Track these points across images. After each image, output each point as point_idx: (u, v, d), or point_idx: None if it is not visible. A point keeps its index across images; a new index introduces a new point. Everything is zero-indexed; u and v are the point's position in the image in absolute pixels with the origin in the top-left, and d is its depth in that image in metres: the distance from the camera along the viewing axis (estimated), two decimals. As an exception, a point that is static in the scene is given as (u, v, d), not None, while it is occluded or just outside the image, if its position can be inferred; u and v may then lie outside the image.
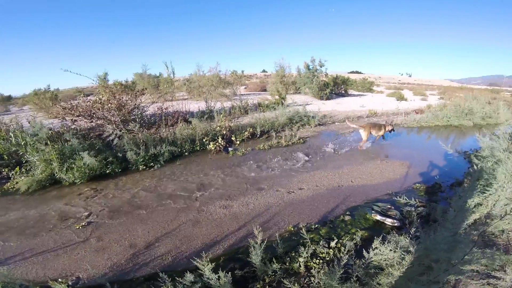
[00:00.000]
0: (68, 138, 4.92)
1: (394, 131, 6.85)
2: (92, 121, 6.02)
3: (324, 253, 2.61)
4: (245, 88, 19.38)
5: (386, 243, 2.38)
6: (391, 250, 2.21)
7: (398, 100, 16.79)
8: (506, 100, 20.82)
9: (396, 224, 3.14)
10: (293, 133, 7.30)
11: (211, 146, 5.92)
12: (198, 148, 6.10)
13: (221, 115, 7.12)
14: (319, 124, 8.60)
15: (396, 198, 3.69)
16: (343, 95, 18.74)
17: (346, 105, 13.23)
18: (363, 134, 6.23)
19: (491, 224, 2.73)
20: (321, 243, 2.76)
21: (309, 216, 3.36)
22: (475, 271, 2.23)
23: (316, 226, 3.12)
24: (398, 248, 2.16)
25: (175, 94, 13.55)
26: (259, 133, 7.07)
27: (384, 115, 11.02)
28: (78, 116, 5.81)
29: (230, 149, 6.03)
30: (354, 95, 19.63)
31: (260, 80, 32.45)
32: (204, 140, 6.12)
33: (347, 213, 3.40)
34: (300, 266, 2.45)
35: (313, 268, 2.40)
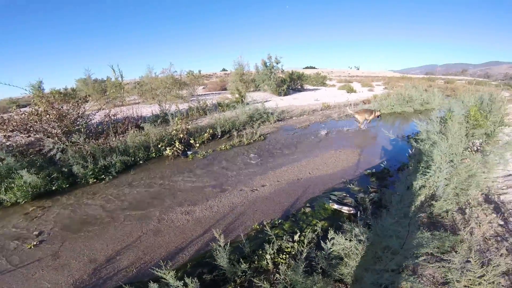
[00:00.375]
0: (2, 157, 4.33)
1: (380, 117, 8.14)
2: (29, 136, 5.27)
3: (289, 247, 2.65)
4: (204, 88, 18.89)
5: (341, 233, 2.51)
6: (346, 239, 2.33)
7: (348, 92, 18.05)
8: (440, 87, 23.83)
9: (352, 212, 3.32)
10: (254, 131, 7.32)
11: (167, 151, 5.59)
12: (153, 155, 5.73)
13: (177, 118, 6.79)
14: (278, 120, 8.79)
15: (350, 186, 3.96)
16: (299, 90, 19.48)
17: (302, 100, 13.76)
18: (359, 118, 7.43)
19: (435, 205, 3.05)
20: (285, 238, 2.80)
21: (273, 212, 3.42)
22: (429, 254, 2.39)
23: (280, 221, 3.17)
24: (353, 237, 2.26)
25: (126, 98, 12.58)
26: (219, 134, 6.94)
27: (337, 107, 11.72)
28: (12, 131, 5.06)
29: (189, 153, 5.78)
30: (309, 90, 20.55)
31: (220, 79, 31.96)
32: (159, 146, 5.76)
33: (307, 205, 3.53)
34: (268, 263, 2.45)
35: (281, 263, 2.44)
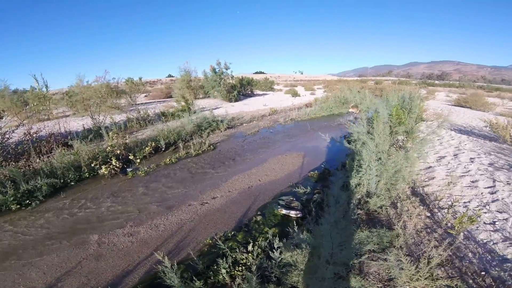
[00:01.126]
0: None
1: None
2: None
3: (244, 258, 2.61)
4: (146, 96, 17.64)
5: (288, 240, 2.54)
6: (292, 246, 2.36)
7: (293, 96, 19.06)
8: (371, 88, 26.91)
9: (299, 215, 3.41)
10: (203, 140, 7.07)
11: (103, 170, 4.96)
12: (86, 175, 5.03)
13: (111, 133, 6.11)
14: (229, 127, 8.70)
15: (296, 189, 4.10)
16: (249, 96, 19.80)
17: (253, 106, 13.98)
18: (354, 110, 10.90)
19: (370, 202, 3.32)
20: (239, 249, 2.75)
21: (225, 224, 3.33)
22: (372, 251, 2.52)
23: (233, 233, 3.11)
24: (297, 245, 2.29)
25: (53, 111, 10.92)
26: (163, 147, 6.48)
27: (283, 111, 12.23)
28: None
29: (128, 170, 5.23)
30: (259, 95, 21.06)
31: (166, 85, 30.36)
32: (93, 165, 5.09)
33: (259, 213, 3.53)
34: (224, 277, 2.37)
35: (237, 276, 2.36)
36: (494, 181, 3.49)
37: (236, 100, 15.74)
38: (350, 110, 11.63)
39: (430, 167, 4.31)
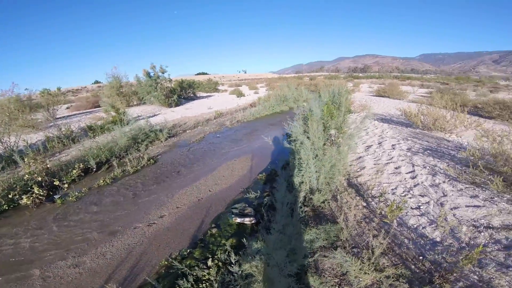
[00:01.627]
0: None
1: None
2: None
3: (206, 274, 2.54)
4: (68, 107, 15.27)
5: (246, 250, 2.47)
6: (250, 257, 2.31)
7: (238, 97, 19.12)
8: (306, 84, 28.81)
9: (253, 221, 3.40)
10: (141, 155, 6.44)
11: (25, 200, 4.18)
12: (5, 207, 4.20)
13: (27, 158, 5.07)
14: (170, 136, 8.13)
15: (248, 195, 4.06)
16: (192, 99, 19.04)
17: (196, 110, 13.46)
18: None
19: (314, 199, 3.48)
20: (199, 266, 2.68)
21: (179, 243, 3.17)
22: (323, 247, 2.61)
23: (189, 250, 2.99)
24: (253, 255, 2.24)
25: None
26: (94, 167, 5.67)
27: (229, 113, 12.13)
28: None
29: (56, 197, 4.48)
30: (202, 97, 20.45)
31: (92, 93, 26.95)
32: (11, 196, 4.21)
33: (213, 225, 3.42)
34: None
35: None
36: (413, 165, 4.05)
37: (176, 105, 14.91)
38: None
39: (360, 157, 4.77)
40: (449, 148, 4.76)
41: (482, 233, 2.45)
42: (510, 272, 1.97)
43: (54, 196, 4.53)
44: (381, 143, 5.34)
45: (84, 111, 14.30)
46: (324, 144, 4.60)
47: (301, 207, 3.38)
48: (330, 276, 2.29)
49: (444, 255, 2.26)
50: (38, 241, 3.39)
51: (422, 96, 15.50)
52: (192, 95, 19.78)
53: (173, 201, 4.15)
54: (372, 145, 5.31)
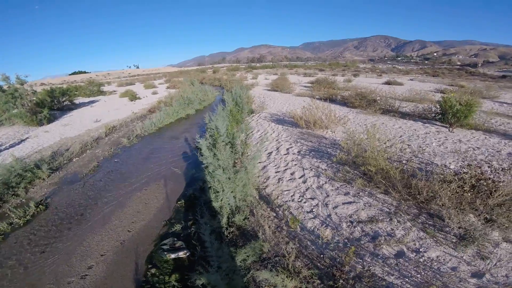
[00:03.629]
0: None
1: None
2: None
3: None
4: None
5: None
6: None
7: (132, 100, 17.12)
8: (210, 78, 28.67)
9: (188, 254, 3.50)
10: (23, 200, 5.21)
11: None
12: None
13: None
14: (53, 170, 6.62)
15: (173, 228, 4.03)
16: (70, 108, 15.70)
17: (78, 125, 11.23)
18: None
19: (235, 220, 3.80)
20: None
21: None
22: (254, 262, 2.97)
23: None
24: None
25: None
26: None
27: (124, 125, 10.82)
28: None
29: None
30: (84, 104, 17.17)
31: None
32: None
33: (150, 266, 3.40)
34: None
35: None
36: (303, 169, 5.00)
37: (50, 121, 11.95)
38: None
39: (264, 166, 5.47)
40: (327, 146, 6.12)
41: (356, 228, 3.33)
42: (380, 260, 2.84)
43: None
44: (278, 148, 6.25)
45: None
46: (234, 164, 5.00)
47: (227, 229, 3.70)
48: (267, 286, 2.69)
49: (336, 252, 3.02)
50: None
51: (305, 87, 18.46)
52: (68, 103, 16.25)
53: (93, 249, 3.77)
54: (272, 151, 6.14)
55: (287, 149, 6.10)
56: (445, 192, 3.28)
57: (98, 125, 10.87)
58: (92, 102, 18.18)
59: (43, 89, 14.80)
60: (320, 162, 5.25)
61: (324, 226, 3.48)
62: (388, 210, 3.60)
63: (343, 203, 3.86)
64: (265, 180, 4.87)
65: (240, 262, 3.08)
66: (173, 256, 3.47)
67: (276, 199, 4.23)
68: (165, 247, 3.63)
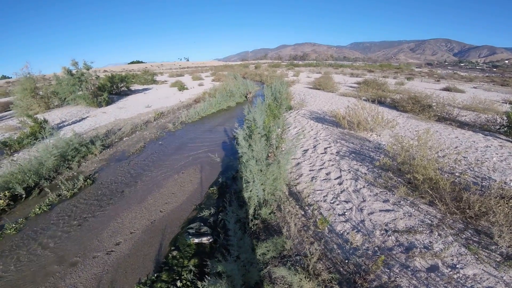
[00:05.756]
0: None
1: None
2: None
3: None
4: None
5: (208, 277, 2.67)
6: (214, 278, 2.54)
7: (180, 90, 18.21)
8: (251, 73, 29.07)
9: (211, 240, 3.57)
10: (74, 173, 5.83)
11: None
12: None
13: None
14: (105, 147, 7.39)
15: (201, 213, 4.17)
16: (126, 94, 17.36)
17: (132, 109, 12.37)
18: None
19: (262, 213, 3.79)
20: None
21: (144, 268, 3.23)
22: (273, 257, 2.95)
23: (156, 274, 3.08)
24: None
25: None
26: (23, 193, 4.95)
27: (171, 112, 11.57)
28: None
29: None
30: (138, 91, 18.81)
31: (1, 91, 22.01)
32: None
33: (172, 247, 3.50)
34: None
35: None
36: (340, 171, 4.73)
37: (108, 104, 13.42)
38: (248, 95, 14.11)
39: (298, 163, 5.31)
40: (370, 149, 5.69)
41: (390, 237, 3.10)
42: (409, 272, 2.62)
43: None
44: (315, 146, 6.01)
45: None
46: (267, 157, 4.96)
47: (252, 220, 3.70)
48: (281, 284, 2.64)
49: (363, 259, 2.84)
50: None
51: (351, 87, 17.46)
52: (125, 89, 18.01)
53: (125, 226, 4.03)
54: (308, 149, 5.93)
55: (325, 148, 5.83)
56: (501, 209, 2.99)
57: (148, 110, 11.83)
58: (146, 89, 19.83)
59: (105, 75, 16.59)
60: (360, 165, 4.91)
61: (355, 231, 3.27)
62: (430, 222, 3.33)
63: (380, 210, 3.61)
64: (297, 177, 4.73)
65: (259, 255, 3.04)
66: (196, 240, 3.56)
67: (307, 197, 4.08)
68: (191, 231, 3.74)
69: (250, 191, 3.97)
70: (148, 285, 2.92)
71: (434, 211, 3.52)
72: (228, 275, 2.65)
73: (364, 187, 4.17)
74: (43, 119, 8.55)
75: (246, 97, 14.49)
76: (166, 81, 26.40)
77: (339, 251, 3.00)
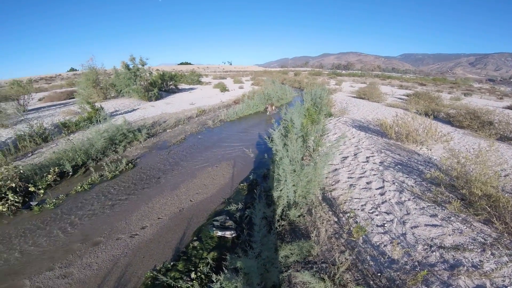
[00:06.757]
0: None
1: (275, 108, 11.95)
2: None
3: (190, 286, 2.66)
4: (42, 99, 14.27)
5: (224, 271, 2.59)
6: (231, 274, 2.45)
7: (222, 91, 18.87)
8: (290, 80, 28.96)
9: (234, 235, 3.49)
10: (118, 157, 6.29)
11: (0, 208, 4.04)
12: None
13: None
14: (149, 136, 7.94)
15: (229, 207, 4.13)
16: (174, 92, 18.56)
17: (177, 105, 13.16)
18: (270, 109, 11.55)
19: (290, 214, 3.62)
20: (183, 278, 2.77)
21: (162, 254, 3.23)
22: (296, 261, 2.79)
23: (172, 263, 3.05)
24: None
25: None
26: (71, 170, 5.47)
27: (212, 111, 12.00)
28: None
29: (33, 203, 4.33)
30: (185, 90, 19.98)
31: (68, 81, 25.41)
32: None
33: (195, 238, 3.48)
34: None
35: None
36: (383, 181, 4.32)
37: (157, 99, 14.48)
38: (268, 108, 11.65)
39: (336, 169, 4.99)
40: (419, 162, 5.11)
41: (434, 253, 2.74)
42: None
43: (31, 203, 4.38)
44: (356, 154, 5.60)
45: (58, 103, 13.47)
46: (303, 158, 4.76)
47: (278, 221, 3.53)
48: None
49: (398, 273, 2.51)
50: (22, 251, 3.35)
51: (400, 98, 16.20)
52: (173, 87, 19.27)
53: (154, 211, 4.14)
54: (348, 156, 5.55)
55: (367, 157, 5.39)
56: None
57: (192, 107, 12.47)
58: (191, 89, 21.02)
59: (157, 73, 17.97)
60: (406, 177, 4.42)
61: (393, 244, 2.91)
62: (483, 240, 2.91)
63: (426, 225, 3.23)
64: (333, 183, 4.43)
65: (282, 257, 2.85)
66: (219, 233, 3.50)
67: (343, 204, 3.78)
68: (216, 223, 3.71)
69: (280, 190, 3.81)
70: (162, 273, 2.87)
71: (489, 229, 3.09)
72: (245, 272, 2.50)
73: (409, 199, 3.74)
74: (100, 106, 9.52)
75: (266, 110, 11.93)
76: (210, 82, 27.67)
77: (372, 263, 2.70)
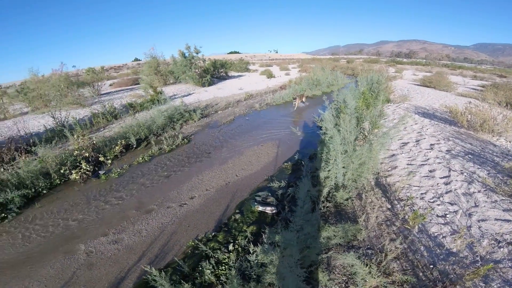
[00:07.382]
0: None
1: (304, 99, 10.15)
2: None
3: (226, 258, 2.72)
4: (112, 85, 16.37)
5: (265, 238, 2.65)
6: (268, 247, 2.49)
7: (268, 78, 18.84)
8: (342, 67, 27.22)
9: (274, 211, 3.52)
10: (176, 133, 6.86)
11: (74, 175, 4.70)
12: (57, 182, 4.72)
13: (76, 135, 5.68)
14: (203, 116, 8.48)
15: (271, 184, 4.18)
16: (224, 78, 19.24)
17: (227, 90, 13.65)
18: (297, 101, 9.42)
19: (337, 196, 3.49)
20: (221, 249, 2.87)
21: (205, 225, 3.37)
22: (338, 244, 2.69)
23: (213, 233, 3.17)
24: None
25: (9, 108, 9.87)
26: (135, 143, 6.20)
27: (258, 95, 12.11)
28: None
29: (101, 172, 4.97)
30: (234, 77, 20.53)
31: (133, 70, 28.44)
32: (62, 170, 4.77)
33: (237, 211, 3.60)
34: (209, 277, 2.50)
35: (221, 275, 2.53)
36: (449, 170, 3.81)
37: (209, 84, 15.24)
38: (296, 101, 9.40)
39: (393, 155, 4.57)
40: (494, 154, 4.35)
41: (502, 249, 2.36)
42: None
43: (99, 172, 4.99)
44: (418, 141, 5.03)
45: (125, 88, 15.29)
46: (356, 139, 4.47)
47: (323, 202, 3.42)
48: (339, 274, 2.35)
49: (455, 266, 2.23)
50: (84, 217, 3.71)
51: (473, 89, 13.90)
52: (224, 74, 19.97)
53: (203, 183, 4.40)
54: (408, 142, 5.03)
55: (432, 144, 4.80)
56: None
57: (240, 92, 12.83)
58: (240, 76, 21.52)
59: (209, 60, 18.81)
60: (478, 168, 3.82)
61: (454, 235, 2.58)
62: None
63: (496, 219, 2.77)
64: (389, 169, 4.08)
65: (323, 238, 2.71)
66: (260, 208, 3.53)
67: (399, 191, 3.46)
68: (258, 198, 3.75)
69: (328, 171, 3.65)
70: (203, 242, 2.95)
71: None
72: (284, 247, 2.44)
73: (479, 191, 3.24)
74: (160, 90, 10.46)
75: (293, 100, 9.43)
76: (257, 70, 27.83)
77: (425, 253, 2.44)
